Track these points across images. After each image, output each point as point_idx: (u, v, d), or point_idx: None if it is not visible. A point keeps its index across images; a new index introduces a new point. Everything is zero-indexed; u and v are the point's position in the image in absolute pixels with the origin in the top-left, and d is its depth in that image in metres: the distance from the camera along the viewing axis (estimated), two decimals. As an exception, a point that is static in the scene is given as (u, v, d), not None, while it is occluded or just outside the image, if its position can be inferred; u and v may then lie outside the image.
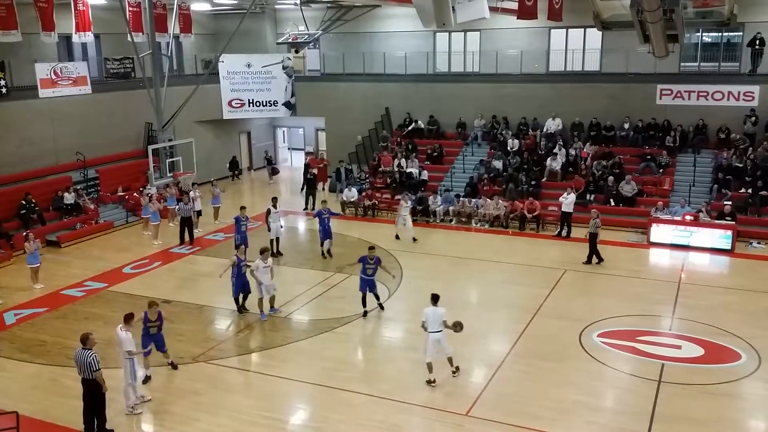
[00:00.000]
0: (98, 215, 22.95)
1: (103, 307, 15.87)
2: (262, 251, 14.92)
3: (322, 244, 19.27)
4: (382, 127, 29.26)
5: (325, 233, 19.18)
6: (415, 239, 20.67)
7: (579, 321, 14.55)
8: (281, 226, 20.02)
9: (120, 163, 25.72)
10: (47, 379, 12.42)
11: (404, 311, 15.78)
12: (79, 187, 23.36)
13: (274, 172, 31.70)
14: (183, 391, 11.92)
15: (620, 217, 21.95)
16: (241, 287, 15.05)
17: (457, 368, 12.19)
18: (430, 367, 11.92)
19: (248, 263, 14.99)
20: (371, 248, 15.14)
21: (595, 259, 18.42)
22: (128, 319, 11.24)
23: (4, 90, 21.15)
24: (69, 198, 22.53)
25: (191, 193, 22.86)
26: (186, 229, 20.75)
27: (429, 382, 11.92)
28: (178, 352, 13.39)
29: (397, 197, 24.53)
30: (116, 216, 23.54)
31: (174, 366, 12.61)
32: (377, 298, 15.20)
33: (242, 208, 19.32)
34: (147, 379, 12.18)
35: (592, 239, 18.34)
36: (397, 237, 20.84)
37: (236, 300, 15.24)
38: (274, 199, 20.07)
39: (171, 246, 20.64)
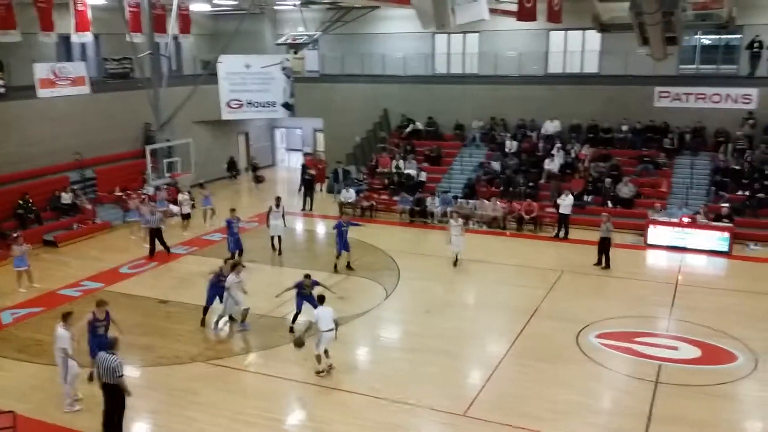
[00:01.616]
0: (95, 215, 22.92)
1: (101, 307, 15.82)
2: (234, 266, 14.38)
3: (337, 257, 18.23)
4: (380, 129, 29.27)
5: (344, 245, 18.21)
6: (456, 263, 18.57)
7: (576, 322, 14.56)
8: (284, 225, 19.99)
9: (118, 164, 25.71)
10: (45, 379, 12.36)
11: (402, 312, 15.83)
12: (76, 187, 23.35)
13: (259, 180, 30.24)
14: (180, 391, 11.91)
15: (618, 219, 21.87)
16: (213, 299, 14.66)
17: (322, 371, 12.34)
18: (319, 359, 12.23)
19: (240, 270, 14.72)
20: (307, 276, 14.32)
21: (603, 263, 18.31)
22: (66, 317, 11.24)
23: (2, 90, 21.16)
24: (66, 198, 22.51)
25: (179, 196, 22.79)
26: (156, 240, 19.70)
27: (319, 372, 12.26)
28: (175, 352, 13.42)
29: (394, 198, 24.59)
30: (113, 216, 23.48)
31: (90, 377, 11.77)
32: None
33: (232, 210, 19.21)
34: (91, 377, 11.95)
35: (603, 243, 18.22)
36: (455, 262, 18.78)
37: (205, 309, 14.71)
38: (278, 199, 20.18)
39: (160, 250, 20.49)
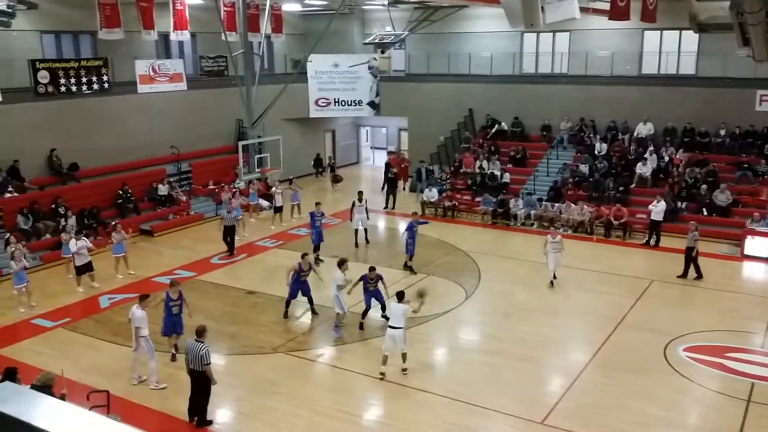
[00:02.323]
0: (189, 207, 23.90)
1: (191, 296, 16.26)
2: (341, 263, 14.30)
3: (410, 258, 18.12)
4: (464, 128, 29.12)
5: (414, 246, 18.10)
6: (553, 280, 17.15)
7: (664, 333, 14.03)
8: (367, 218, 20.53)
9: (211, 158, 26.69)
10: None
11: (481, 314, 15.72)
12: (172, 180, 24.40)
13: (337, 179, 29.57)
14: (262, 380, 12.29)
15: (713, 228, 21.01)
16: (296, 292, 14.94)
17: (406, 369, 12.26)
18: (384, 359, 12.18)
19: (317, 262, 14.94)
20: (371, 269, 14.43)
21: (693, 274, 17.49)
22: (143, 298, 12.07)
23: (106, 85, 22.35)
24: (163, 189, 23.56)
25: (273, 190, 23.47)
26: (228, 238, 19.69)
27: (381, 373, 12.19)
28: (259, 342, 13.83)
29: (477, 199, 24.41)
30: (206, 208, 24.41)
31: (173, 357, 12.80)
32: (383, 308, 14.45)
33: (317, 203, 19.65)
34: (174, 357, 12.85)
35: (689, 253, 17.45)
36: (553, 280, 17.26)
37: (288, 303, 15.03)
38: (360, 193, 20.64)
39: (257, 239, 21.24)
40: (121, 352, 13.46)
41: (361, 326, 14.43)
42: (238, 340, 14.02)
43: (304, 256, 15.38)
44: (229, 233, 19.73)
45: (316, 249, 18.78)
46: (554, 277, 17.20)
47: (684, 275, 17.55)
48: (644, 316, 15.13)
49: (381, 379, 12.19)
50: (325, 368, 13.05)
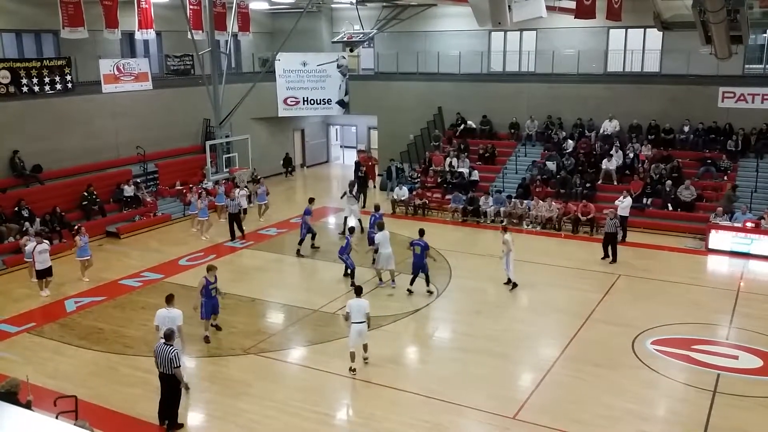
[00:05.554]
0: (156, 208, 23.57)
1: (159, 298, 16.09)
2: (382, 226, 16.89)
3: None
4: (434, 127, 29.22)
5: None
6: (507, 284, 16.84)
7: (632, 327, 14.26)
8: (353, 207, 21.65)
9: (178, 158, 26.37)
10: (105, 366, 12.84)
11: (452, 311, 15.77)
12: (138, 181, 24.04)
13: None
14: (233, 382, 12.18)
15: (678, 223, 21.40)
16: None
17: (367, 358, 12.65)
18: (352, 356, 12.38)
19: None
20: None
21: (609, 258, 18.67)
22: (170, 299, 12.26)
23: (69, 85, 21.94)
24: (129, 191, 23.21)
25: (237, 191, 23.26)
26: (234, 224, 21.01)
27: (351, 369, 12.38)
28: (230, 344, 13.71)
29: (447, 197, 24.51)
30: (173, 209, 24.12)
31: (218, 328, 14.11)
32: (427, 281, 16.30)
33: (312, 199, 20.41)
34: (207, 339, 13.70)
35: (608, 238, 18.69)
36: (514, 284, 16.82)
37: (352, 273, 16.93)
38: (351, 184, 22.17)
39: (224, 240, 21.05)
40: (87, 356, 13.28)
41: (410, 292, 16.12)
42: (209, 342, 13.85)
43: (352, 231, 17.58)
44: (234, 219, 20.95)
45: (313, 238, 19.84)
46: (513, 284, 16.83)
47: (606, 256, 18.80)
48: (612, 311, 15.35)
49: (353, 374, 12.23)
50: (297, 368, 12.97)
